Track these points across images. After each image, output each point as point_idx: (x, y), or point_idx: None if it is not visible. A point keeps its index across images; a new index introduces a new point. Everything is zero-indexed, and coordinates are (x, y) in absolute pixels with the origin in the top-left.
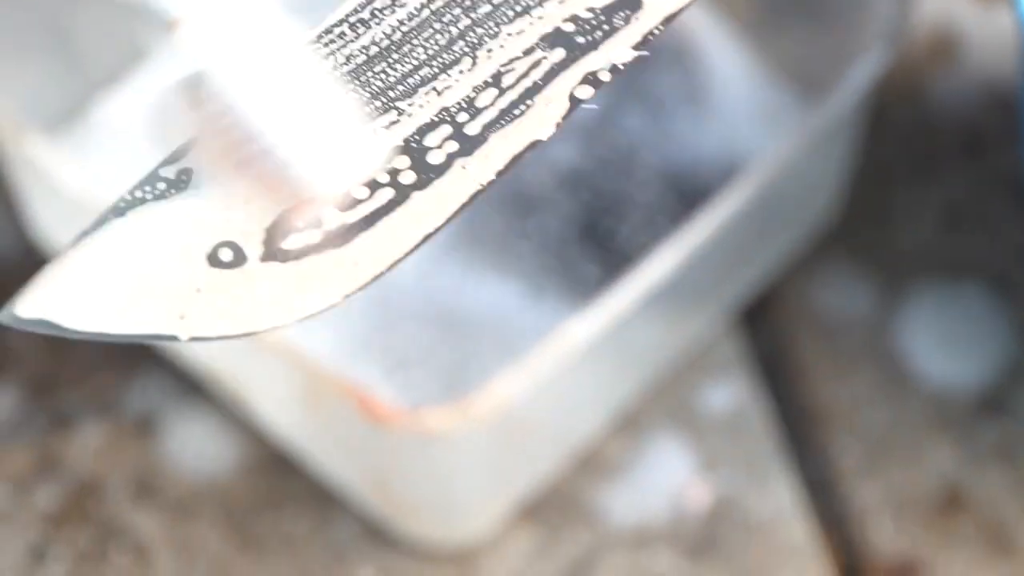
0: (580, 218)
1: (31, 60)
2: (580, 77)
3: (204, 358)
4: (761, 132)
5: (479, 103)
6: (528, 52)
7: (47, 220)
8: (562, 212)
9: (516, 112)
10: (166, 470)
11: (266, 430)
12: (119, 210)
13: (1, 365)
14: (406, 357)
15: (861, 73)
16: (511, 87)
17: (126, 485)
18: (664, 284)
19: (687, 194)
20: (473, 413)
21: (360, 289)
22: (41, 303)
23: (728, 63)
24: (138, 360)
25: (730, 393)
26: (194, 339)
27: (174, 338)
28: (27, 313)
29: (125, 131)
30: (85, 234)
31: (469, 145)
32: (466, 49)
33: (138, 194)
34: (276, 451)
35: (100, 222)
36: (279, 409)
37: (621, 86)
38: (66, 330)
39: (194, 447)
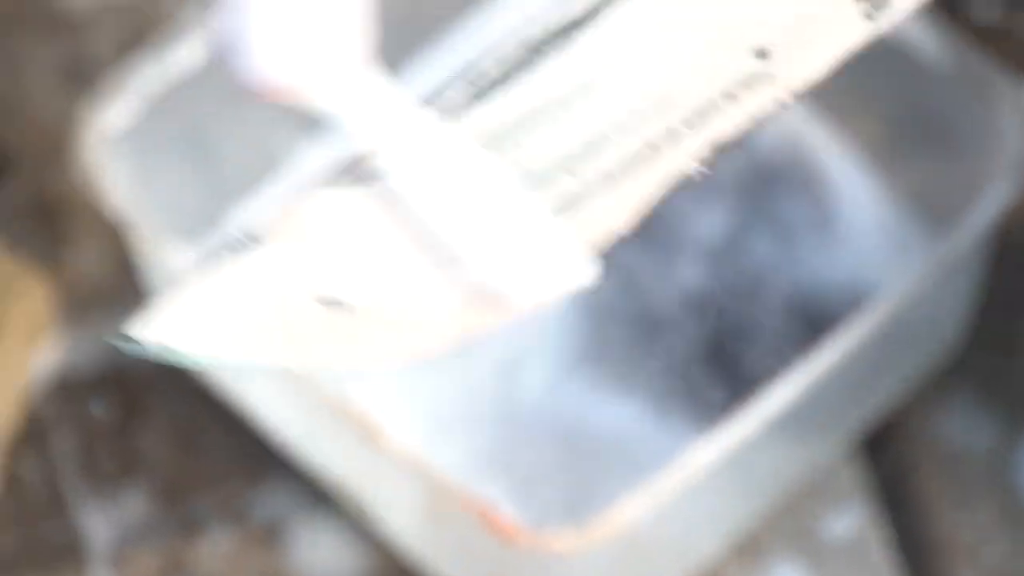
0: (706, 341)
1: (173, 167)
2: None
3: (332, 467)
4: (888, 260)
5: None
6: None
7: None
8: (689, 334)
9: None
10: (278, 568)
11: (391, 541)
12: (240, 245)
13: (132, 468)
14: (529, 474)
15: (989, 204)
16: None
17: None
18: (788, 410)
19: (813, 320)
20: (596, 534)
21: (465, 337)
22: (163, 329)
23: (856, 190)
24: (267, 467)
25: (850, 520)
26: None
27: (288, 369)
28: (148, 337)
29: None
30: (209, 266)
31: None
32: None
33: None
34: (400, 563)
35: (227, 249)
36: (404, 521)
37: (750, 210)
38: (185, 356)
39: (320, 556)
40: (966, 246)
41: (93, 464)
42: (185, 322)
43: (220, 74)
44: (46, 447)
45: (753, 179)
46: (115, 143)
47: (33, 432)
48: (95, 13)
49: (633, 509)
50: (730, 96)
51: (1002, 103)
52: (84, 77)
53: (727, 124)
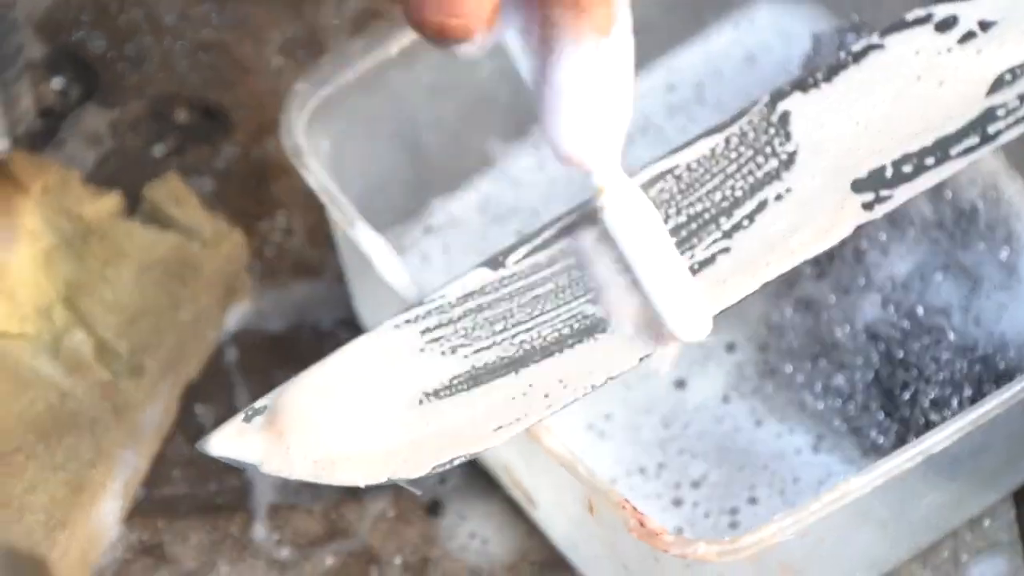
0: (877, 380)
1: (379, 157)
2: None
3: (498, 450)
4: None
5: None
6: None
7: (364, 298)
8: (862, 370)
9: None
10: (445, 551)
11: (543, 528)
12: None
13: None
14: (684, 488)
15: None
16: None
17: (405, 559)
18: (948, 453)
19: (988, 372)
20: (744, 550)
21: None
22: (234, 446)
23: None
24: None
25: (995, 566)
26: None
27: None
28: (221, 451)
29: (452, 243)
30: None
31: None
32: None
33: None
34: (549, 550)
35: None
36: (559, 512)
37: (939, 258)
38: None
39: (473, 532)
40: None
41: None
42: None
43: (428, 66)
44: (227, 397)
45: (948, 225)
46: (322, 120)
47: (217, 382)
48: None
49: (779, 532)
50: None
51: None
52: (312, 51)
53: None
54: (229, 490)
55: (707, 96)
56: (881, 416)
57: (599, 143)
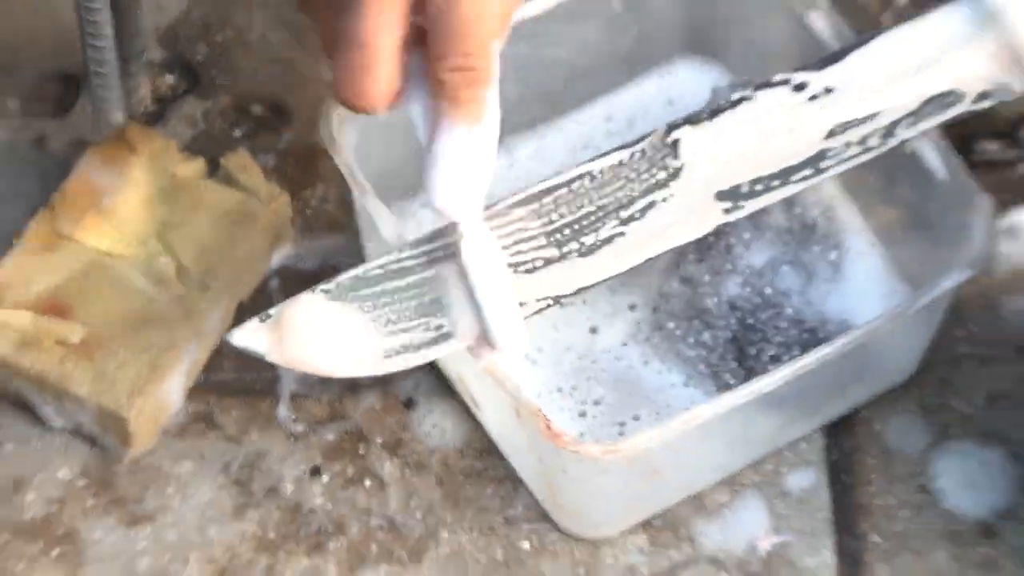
0: (734, 338)
1: (391, 147)
2: None
3: (455, 365)
4: (875, 306)
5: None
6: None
7: (373, 249)
8: (722, 332)
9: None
10: (414, 435)
11: (485, 424)
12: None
13: None
14: (591, 404)
15: (951, 281)
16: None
17: (385, 439)
18: (775, 392)
19: (813, 340)
20: (619, 452)
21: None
22: (256, 338)
23: (864, 253)
24: None
25: (806, 480)
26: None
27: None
28: (240, 342)
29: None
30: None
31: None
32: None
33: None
34: (488, 440)
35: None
36: (496, 414)
37: (787, 255)
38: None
39: (435, 423)
40: (922, 306)
41: None
42: (279, 336)
43: None
44: None
45: (795, 231)
46: (351, 119)
47: (262, 302)
48: None
49: (649, 441)
50: None
51: (977, 213)
52: None
53: None
54: (263, 380)
55: (637, 128)
56: (734, 365)
57: (463, 201)
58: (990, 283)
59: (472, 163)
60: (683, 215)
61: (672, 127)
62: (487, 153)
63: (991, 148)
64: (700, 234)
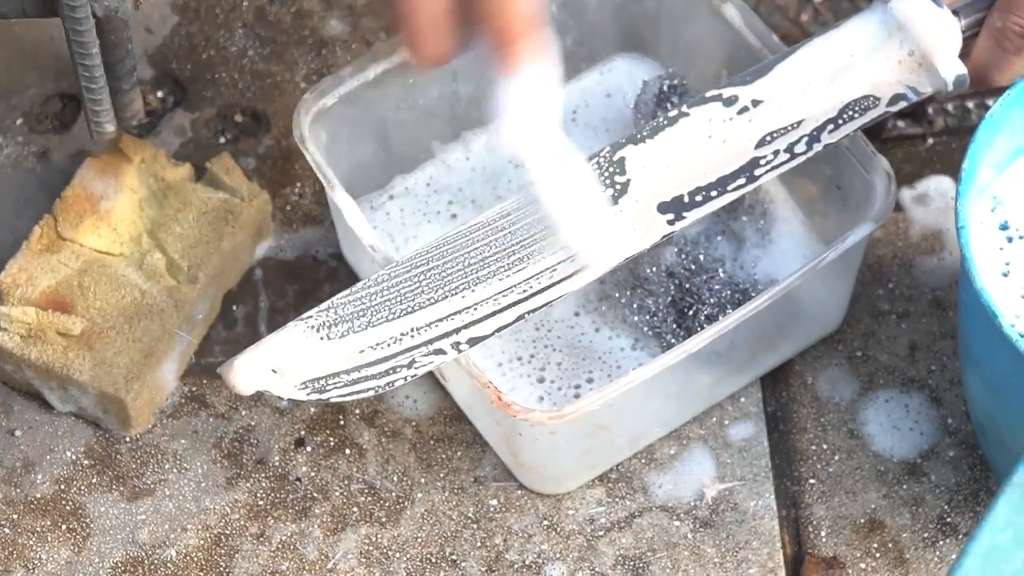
0: (673, 302)
1: (359, 146)
2: None
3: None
4: (797, 264)
5: None
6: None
7: (346, 242)
8: (662, 296)
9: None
10: (389, 406)
11: (453, 395)
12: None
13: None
14: (547, 371)
15: (853, 236)
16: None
17: (362, 410)
18: (712, 349)
19: (745, 300)
20: (567, 416)
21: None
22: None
23: (788, 220)
24: None
25: (746, 430)
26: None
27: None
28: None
29: (406, 207)
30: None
31: None
32: None
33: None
34: (456, 408)
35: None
36: (461, 385)
37: (719, 225)
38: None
39: (408, 395)
40: (839, 259)
41: (282, 314)
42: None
43: (394, 88)
44: (254, 301)
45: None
46: (321, 120)
47: (247, 291)
48: (344, 37)
49: (590, 404)
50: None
51: (877, 174)
52: (321, 75)
53: None
54: None
55: (579, 119)
56: (675, 327)
57: (530, 138)
58: (905, 246)
59: (534, 101)
60: (631, 226)
61: (616, 147)
62: (549, 88)
63: (901, 124)
64: (646, 246)
